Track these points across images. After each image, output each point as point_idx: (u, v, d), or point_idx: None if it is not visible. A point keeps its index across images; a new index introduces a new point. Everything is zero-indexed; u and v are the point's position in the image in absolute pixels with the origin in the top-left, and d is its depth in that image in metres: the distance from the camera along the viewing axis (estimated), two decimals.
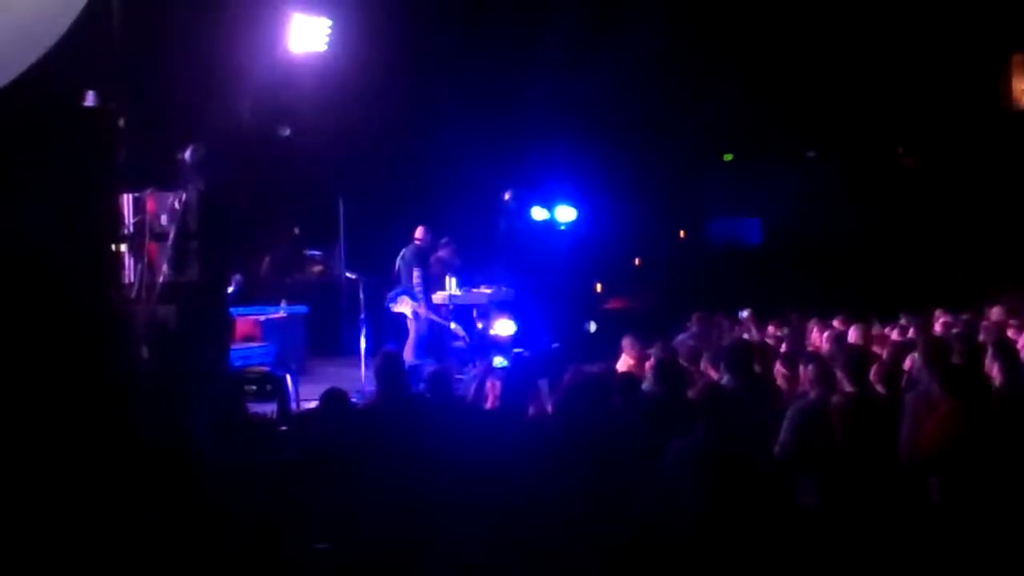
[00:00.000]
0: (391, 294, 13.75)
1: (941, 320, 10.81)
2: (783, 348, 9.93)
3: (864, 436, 6.42)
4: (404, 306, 13.64)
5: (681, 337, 11.45)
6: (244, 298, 13.96)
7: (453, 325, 13.97)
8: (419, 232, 13.89)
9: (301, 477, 6.26)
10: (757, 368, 8.15)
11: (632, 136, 20.01)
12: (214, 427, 6.66)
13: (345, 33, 13.10)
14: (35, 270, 6.49)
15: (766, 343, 10.56)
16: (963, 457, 5.96)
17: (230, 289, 13.59)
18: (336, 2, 12.97)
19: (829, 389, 7.12)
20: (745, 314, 12.15)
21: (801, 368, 7.92)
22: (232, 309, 11.96)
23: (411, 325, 13.69)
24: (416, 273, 13.59)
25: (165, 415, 7.00)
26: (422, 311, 13.58)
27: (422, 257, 13.78)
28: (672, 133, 20.52)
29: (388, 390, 7.71)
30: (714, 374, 8.47)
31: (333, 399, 7.31)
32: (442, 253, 14.29)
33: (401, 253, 13.87)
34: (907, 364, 8.62)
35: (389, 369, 7.82)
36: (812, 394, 7.28)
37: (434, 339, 14.00)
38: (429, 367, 11.50)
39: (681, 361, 8.99)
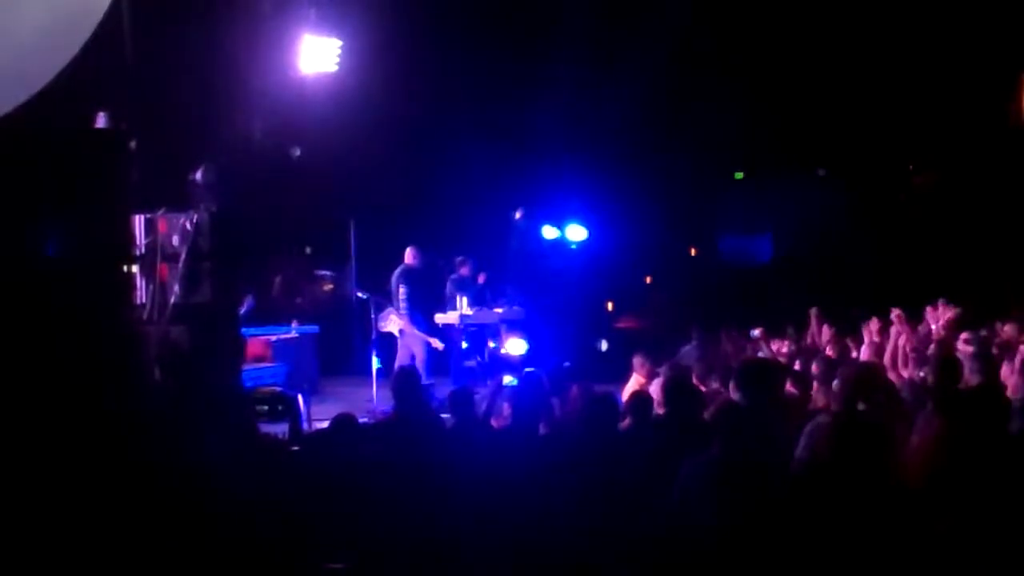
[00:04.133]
0: (381, 313, 13.74)
1: (962, 337, 10.77)
2: (796, 365, 9.91)
3: (868, 454, 6.36)
4: (392, 325, 13.65)
5: (685, 350, 11.47)
6: (256, 318, 13.99)
7: (437, 342, 13.91)
8: (409, 254, 13.92)
9: (314, 496, 6.25)
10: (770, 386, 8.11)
11: (643, 154, 20.03)
12: (227, 448, 6.65)
13: (355, 53, 13.13)
14: (47, 291, 6.50)
15: (777, 360, 10.55)
16: (957, 476, 5.89)
17: (242, 309, 13.67)
18: (346, 23, 13.00)
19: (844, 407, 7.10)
20: (757, 332, 12.12)
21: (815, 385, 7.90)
22: (244, 329, 11.99)
23: (400, 344, 13.68)
24: (403, 291, 13.64)
25: (177, 436, 7.00)
26: (408, 328, 13.58)
27: (410, 276, 13.81)
28: (683, 151, 20.53)
29: (406, 407, 7.70)
30: (717, 387, 8.48)
31: (343, 425, 7.30)
32: (463, 271, 14.34)
33: (392, 275, 13.94)
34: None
35: (406, 386, 7.82)
36: (826, 412, 7.26)
37: (439, 358, 14.03)
38: (442, 384, 11.52)
39: (693, 379, 8.98)
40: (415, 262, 13.95)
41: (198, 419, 7.09)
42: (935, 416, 6.56)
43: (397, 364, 13.12)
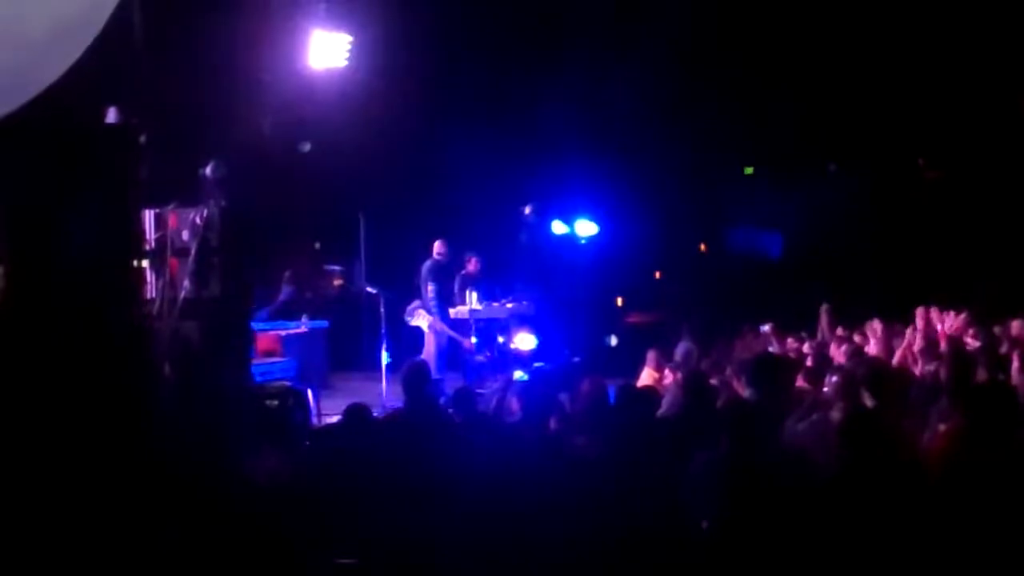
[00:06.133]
0: (409, 307, 13.80)
1: (971, 332, 10.76)
2: (808, 361, 9.89)
3: (877, 450, 6.33)
4: (420, 319, 13.67)
5: (680, 348, 11.46)
6: (285, 311, 14.08)
7: (473, 340, 13.97)
8: (437, 246, 13.92)
9: (325, 491, 6.25)
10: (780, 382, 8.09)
11: (652, 149, 20.00)
12: (238, 442, 6.67)
13: (365, 49, 13.11)
14: (57, 286, 6.51)
15: (788, 356, 10.53)
16: (970, 474, 5.86)
17: (280, 298, 13.80)
18: (356, 18, 12.98)
19: (855, 403, 7.08)
20: (767, 328, 12.13)
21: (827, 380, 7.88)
22: (254, 324, 12.01)
23: (427, 339, 13.71)
24: (431, 287, 13.64)
25: (187, 431, 7.01)
26: (437, 325, 13.60)
27: (438, 271, 13.80)
28: (692, 146, 20.50)
29: (415, 400, 7.70)
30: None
31: (356, 415, 7.30)
32: (470, 268, 14.33)
33: (420, 268, 13.92)
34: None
35: (416, 379, 7.81)
36: (837, 407, 7.23)
37: (453, 353, 14.03)
38: (451, 383, 11.51)
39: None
40: (443, 256, 13.94)
41: (208, 414, 7.11)
42: (950, 411, 6.53)
43: (429, 360, 13.17)
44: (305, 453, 7.58)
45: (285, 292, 14.35)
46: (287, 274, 16.11)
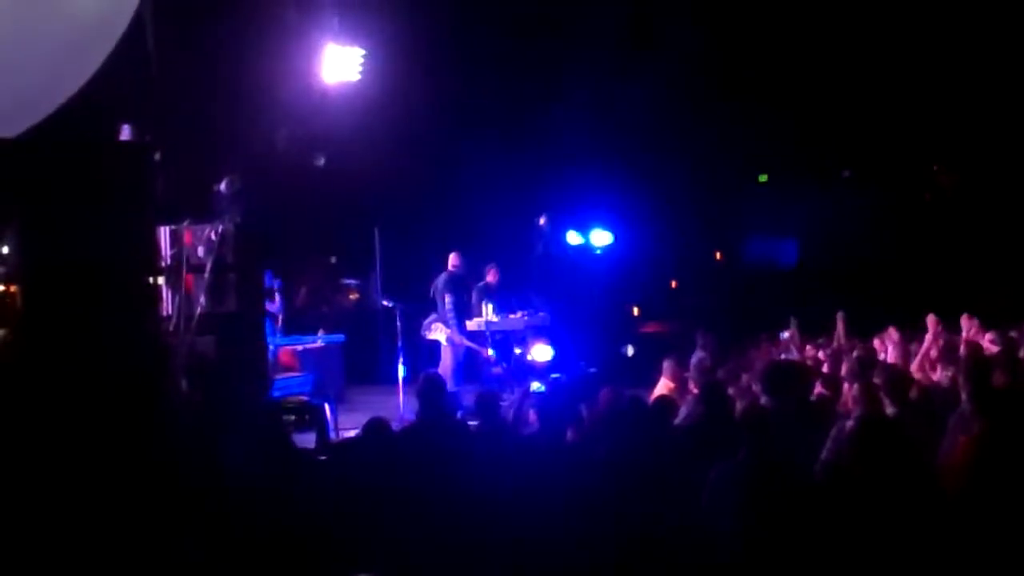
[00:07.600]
0: (426, 321, 13.77)
1: (988, 337, 10.70)
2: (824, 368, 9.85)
3: (893, 457, 6.30)
4: (438, 333, 13.64)
5: (695, 357, 11.41)
6: (283, 327, 14.05)
7: (490, 351, 13.94)
8: (453, 259, 13.88)
9: (343, 506, 6.24)
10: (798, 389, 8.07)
11: (667, 159, 19.98)
12: (255, 457, 6.65)
13: (378, 62, 13.15)
14: (74, 303, 6.52)
15: (806, 363, 10.50)
16: (994, 480, 5.82)
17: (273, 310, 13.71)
18: (369, 32, 13.03)
19: (874, 410, 7.05)
20: (787, 334, 12.08)
21: (845, 387, 7.85)
22: (271, 339, 12.01)
23: (444, 352, 13.67)
24: (448, 300, 13.58)
25: (204, 446, 7.01)
26: (456, 337, 13.57)
27: (454, 284, 13.76)
28: (707, 155, 20.47)
29: (430, 413, 7.68)
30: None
31: (375, 428, 7.28)
32: (490, 278, 14.29)
33: (435, 281, 13.88)
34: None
35: (432, 391, 7.79)
36: (853, 415, 7.20)
37: (471, 365, 14.00)
38: (468, 395, 11.50)
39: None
40: (459, 268, 13.90)
41: (225, 429, 7.11)
42: (975, 417, 6.49)
43: (447, 372, 13.12)
44: (322, 467, 7.58)
45: (276, 305, 14.20)
46: (303, 290, 16.14)
